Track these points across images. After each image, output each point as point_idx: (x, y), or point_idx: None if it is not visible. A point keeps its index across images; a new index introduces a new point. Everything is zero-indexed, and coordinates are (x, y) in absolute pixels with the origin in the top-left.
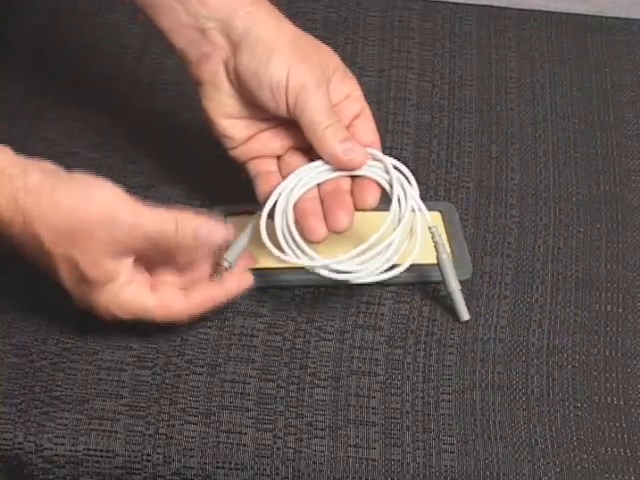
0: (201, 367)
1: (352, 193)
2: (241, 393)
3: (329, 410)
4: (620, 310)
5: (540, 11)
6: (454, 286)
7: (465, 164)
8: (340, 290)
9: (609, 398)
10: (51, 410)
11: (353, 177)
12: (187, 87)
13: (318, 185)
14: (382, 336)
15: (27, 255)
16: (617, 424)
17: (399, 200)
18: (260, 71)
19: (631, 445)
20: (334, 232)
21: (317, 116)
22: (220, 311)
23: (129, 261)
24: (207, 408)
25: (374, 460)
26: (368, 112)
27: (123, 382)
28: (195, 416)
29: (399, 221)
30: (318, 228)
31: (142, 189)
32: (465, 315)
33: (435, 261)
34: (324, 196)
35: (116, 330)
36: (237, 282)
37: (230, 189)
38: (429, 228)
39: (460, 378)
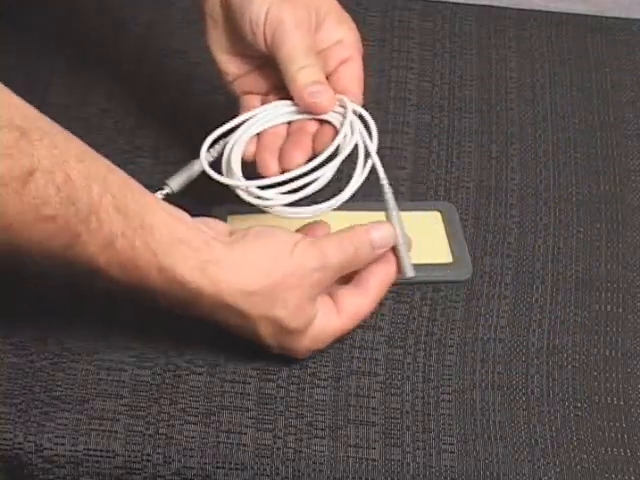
0: (201, 367)
1: (314, 136)
2: (241, 393)
3: (329, 410)
4: (620, 310)
5: (540, 11)
6: (400, 240)
7: (465, 164)
8: None
9: (609, 398)
10: (51, 410)
11: (321, 122)
12: (187, 87)
13: (289, 124)
14: (382, 336)
15: (215, 322)
16: (617, 424)
17: (344, 137)
18: (244, 5)
19: (631, 445)
20: (285, 169)
21: (291, 55)
22: None
23: (321, 299)
24: (207, 408)
25: (374, 460)
26: (357, 60)
27: (123, 382)
28: (195, 416)
29: (334, 157)
30: (270, 163)
31: None
32: (409, 272)
33: (434, 261)
34: (288, 135)
35: (116, 330)
36: (392, 255)
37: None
38: (381, 181)
39: (460, 378)
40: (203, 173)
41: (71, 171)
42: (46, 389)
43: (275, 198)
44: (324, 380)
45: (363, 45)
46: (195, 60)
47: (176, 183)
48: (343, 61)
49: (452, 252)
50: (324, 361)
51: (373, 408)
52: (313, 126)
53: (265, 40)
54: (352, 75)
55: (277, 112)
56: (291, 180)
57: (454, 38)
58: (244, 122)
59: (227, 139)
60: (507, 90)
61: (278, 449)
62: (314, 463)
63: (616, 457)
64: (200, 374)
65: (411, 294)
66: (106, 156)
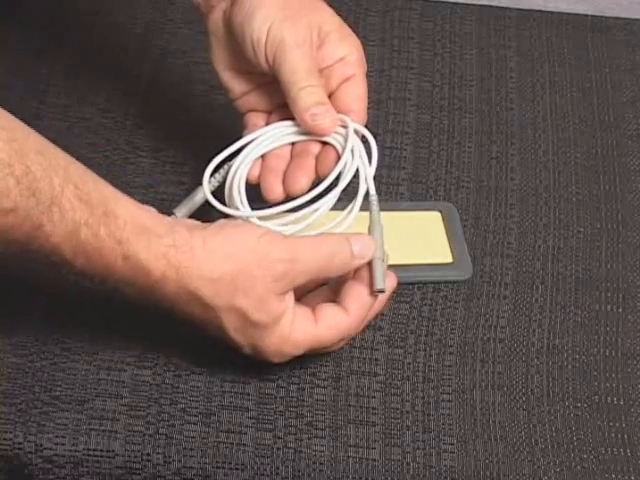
0: (201, 367)
1: (317, 158)
2: (241, 393)
3: (329, 410)
4: (620, 310)
5: (540, 11)
6: (377, 254)
7: (465, 164)
8: None
9: (609, 398)
10: (51, 410)
11: (324, 143)
12: (187, 87)
13: (293, 145)
14: (382, 336)
15: (181, 315)
16: (617, 424)
17: (345, 164)
18: (245, 24)
19: (631, 445)
20: (290, 194)
21: (293, 75)
22: None
23: (291, 297)
24: (207, 408)
25: (374, 460)
26: (360, 78)
27: (123, 382)
28: (195, 416)
29: (333, 188)
30: (275, 187)
31: (142, 189)
32: (380, 284)
33: (434, 261)
34: (292, 157)
35: (116, 330)
36: (388, 282)
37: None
38: (369, 195)
39: (460, 378)
40: (193, 169)
41: (31, 164)
42: (46, 389)
43: (277, 230)
44: (324, 380)
45: (363, 45)
46: (195, 60)
47: (182, 213)
48: (346, 79)
49: (452, 252)
50: (324, 361)
51: (373, 408)
52: (316, 147)
53: (267, 59)
54: (355, 94)
55: (280, 133)
56: (292, 210)
57: (454, 38)
58: (246, 145)
59: (230, 163)
60: (507, 90)
61: (278, 449)
62: (314, 463)
63: (616, 457)
64: (200, 374)
65: (411, 294)
66: (106, 156)
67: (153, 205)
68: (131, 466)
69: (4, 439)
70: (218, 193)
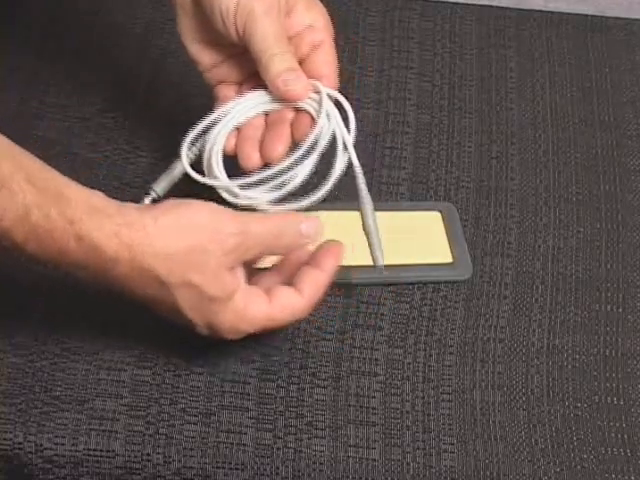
0: (201, 367)
1: (293, 125)
2: (241, 393)
3: (329, 410)
4: (620, 310)
5: (540, 11)
6: (372, 226)
7: (465, 164)
8: (340, 290)
9: (609, 398)
10: (51, 410)
11: (298, 110)
12: (187, 87)
13: (267, 114)
14: (382, 336)
15: (134, 296)
16: (617, 424)
17: (321, 129)
18: None
19: (631, 445)
20: (267, 161)
21: (263, 44)
22: None
23: (242, 273)
24: (207, 408)
25: (374, 460)
26: (329, 44)
27: (123, 382)
28: (195, 416)
29: (313, 149)
30: (252, 155)
31: (142, 189)
32: (379, 260)
33: (434, 261)
34: (267, 125)
35: (116, 330)
36: (333, 259)
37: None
38: (353, 168)
39: (460, 378)
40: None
41: None
42: (46, 389)
43: (258, 197)
44: (324, 380)
45: (363, 45)
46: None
47: (161, 187)
48: (315, 46)
49: (452, 252)
50: (324, 361)
51: (373, 408)
52: (291, 114)
53: (237, 29)
54: (325, 59)
55: (253, 103)
56: (271, 177)
57: (454, 38)
58: (221, 117)
59: (206, 136)
60: (507, 90)
61: (278, 449)
62: (314, 463)
63: (616, 457)
64: (200, 374)
65: (411, 294)
66: (106, 156)
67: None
68: (131, 466)
69: (4, 439)
70: (196, 166)
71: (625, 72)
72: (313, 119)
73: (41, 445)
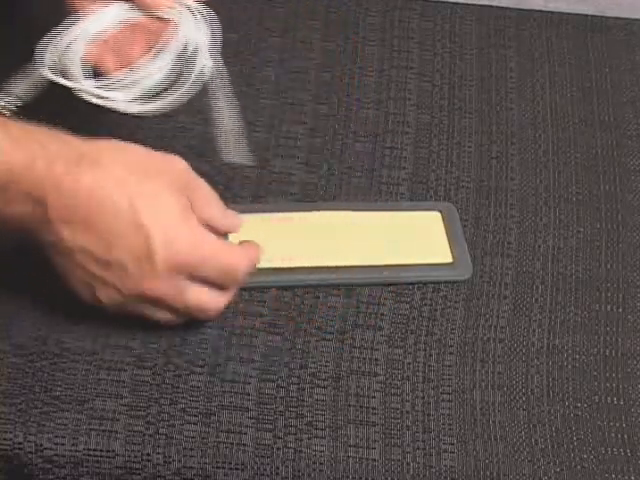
0: (201, 367)
1: (151, 32)
2: (241, 393)
3: (329, 410)
4: (620, 310)
5: (540, 11)
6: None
7: (465, 164)
8: (340, 290)
9: (609, 398)
10: (51, 410)
11: (157, 19)
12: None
13: (125, 23)
14: (382, 336)
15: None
16: (617, 424)
17: (178, 30)
18: None
19: (631, 445)
20: (124, 64)
21: None
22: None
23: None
24: (207, 408)
25: (374, 460)
26: None
27: (123, 382)
28: (195, 416)
29: (166, 53)
30: (108, 60)
31: None
32: (230, 156)
33: (434, 261)
34: (125, 32)
35: (116, 330)
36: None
37: (230, 189)
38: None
39: (460, 378)
40: (192, 169)
41: None
42: (46, 389)
43: (116, 96)
44: (324, 380)
45: (363, 45)
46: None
47: (19, 89)
48: None
49: (452, 252)
50: (324, 361)
51: (373, 408)
52: (149, 22)
53: None
54: None
55: (113, 11)
56: (128, 78)
57: (454, 38)
58: (80, 24)
59: (63, 41)
60: (507, 90)
61: (278, 449)
62: (314, 463)
63: (616, 457)
64: (200, 374)
65: (411, 294)
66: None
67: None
68: (131, 466)
69: (4, 439)
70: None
71: (625, 72)
72: (171, 26)
73: (41, 445)
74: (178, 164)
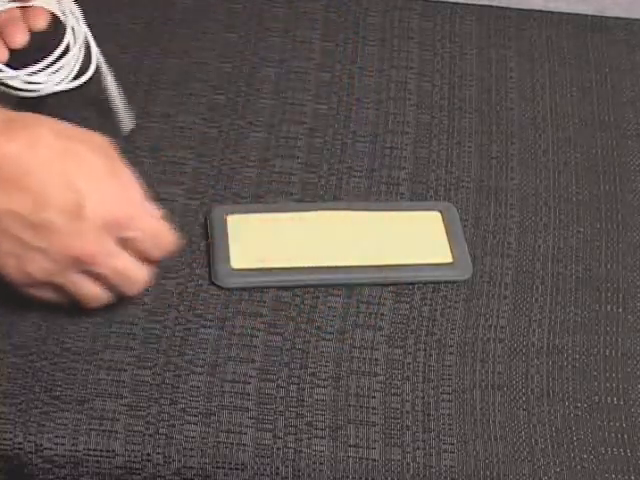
0: (201, 367)
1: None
2: (241, 393)
3: (329, 410)
4: (620, 310)
5: (540, 11)
6: (112, 91)
7: (465, 164)
8: (340, 290)
9: (609, 398)
10: (51, 410)
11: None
12: (187, 87)
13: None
14: (382, 336)
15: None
16: (617, 424)
17: (73, 28)
18: None
19: (631, 445)
20: (13, 48)
21: None
22: (220, 311)
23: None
24: (207, 408)
25: (374, 460)
26: None
27: (123, 382)
28: (195, 416)
29: (76, 39)
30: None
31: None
32: (128, 124)
33: (434, 261)
34: (1, 24)
35: (116, 330)
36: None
37: (230, 189)
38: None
39: (460, 378)
40: (192, 168)
41: None
42: (46, 389)
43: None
44: (324, 380)
45: (363, 45)
46: (195, 60)
47: None
48: None
49: (452, 252)
50: (324, 361)
51: (373, 408)
52: (18, 13)
53: None
54: None
55: None
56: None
57: (454, 38)
58: None
59: None
60: (507, 90)
61: (278, 449)
62: (314, 463)
63: (616, 457)
64: (200, 374)
65: (411, 294)
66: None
67: (154, 204)
68: (131, 466)
69: (4, 439)
70: None
71: (625, 72)
72: (46, 11)
73: (41, 445)
74: (100, 137)
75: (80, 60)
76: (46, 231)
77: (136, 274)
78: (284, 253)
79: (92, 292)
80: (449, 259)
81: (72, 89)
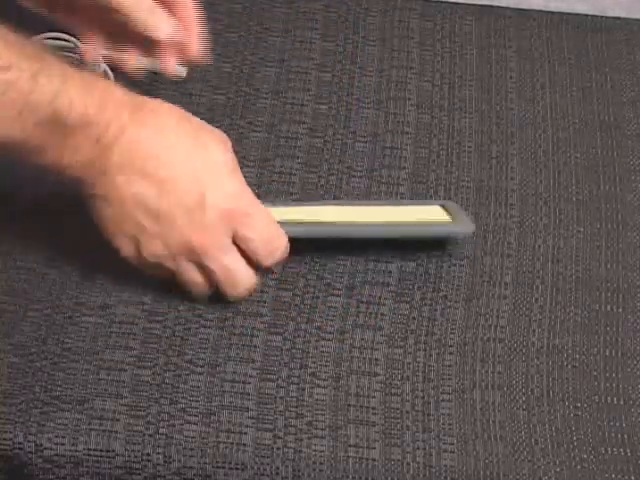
0: (201, 367)
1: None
2: (241, 393)
3: (329, 410)
4: (620, 310)
5: (540, 11)
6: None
7: (465, 164)
8: (340, 290)
9: (609, 398)
10: (51, 410)
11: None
12: (187, 87)
13: None
14: (382, 336)
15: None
16: (617, 424)
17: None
18: None
19: (631, 445)
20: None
21: None
22: (220, 311)
23: None
24: (207, 408)
25: (374, 460)
26: None
27: (123, 382)
28: (195, 416)
29: None
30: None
31: None
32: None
33: (434, 220)
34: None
35: (116, 329)
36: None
37: None
38: None
39: (460, 378)
40: None
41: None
42: (46, 389)
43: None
44: (324, 380)
45: (363, 45)
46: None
47: None
48: None
49: (452, 217)
50: (324, 361)
51: (373, 408)
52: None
53: None
54: None
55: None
56: None
57: (454, 38)
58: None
59: None
60: (507, 90)
61: (278, 449)
62: (314, 463)
63: (616, 457)
64: (200, 374)
65: (411, 294)
66: None
67: None
68: (131, 466)
69: (4, 439)
70: None
71: (625, 72)
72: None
73: (41, 445)
74: (221, 132)
75: None
76: (166, 219)
77: (242, 276)
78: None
79: (198, 282)
80: (448, 219)
81: None
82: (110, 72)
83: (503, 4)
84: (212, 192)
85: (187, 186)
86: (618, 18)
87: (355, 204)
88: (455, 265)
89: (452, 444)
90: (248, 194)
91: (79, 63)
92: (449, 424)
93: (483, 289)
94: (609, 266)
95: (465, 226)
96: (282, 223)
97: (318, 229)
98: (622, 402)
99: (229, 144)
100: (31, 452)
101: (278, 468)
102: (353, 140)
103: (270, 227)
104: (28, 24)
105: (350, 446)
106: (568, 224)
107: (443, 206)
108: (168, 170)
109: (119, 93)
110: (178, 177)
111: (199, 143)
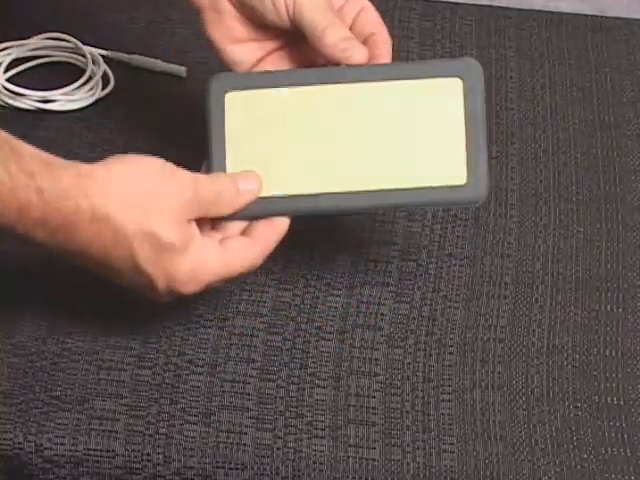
0: (201, 367)
1: None
2: (241, 393)
3: (329, 410)
4: (620, 310)
5: (540, 11)
6: None
7: None
8: (340, 290)
9: (609, 398)
10: (51, 410)
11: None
12: (187, 86)
13: None
14: (382, 336)
15: (90, 253)
16: (617, 424)
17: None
18: None
19: (631, 445)
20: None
21: (315, 17)
22: (220, 311)
23: (194, 224)
24: (207, 408)
25: (374, 460)
26: (370, 7)
27: (123, 382)
28: (195, 416)
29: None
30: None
31: None
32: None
33: (444, 184)
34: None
35: (116, 330)
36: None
37: None
38: None
39: (460, 378)
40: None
41: None
42: (46, 389)
43: None
44: (324, 380)
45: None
46: (195, 60)
47: None
48: (357, 13)
49: (468, 164)
50: (324, 361)
51: (373, 408)
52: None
53: (287, 10)
54: (370, 20)
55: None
56: None
57: (454, 38)
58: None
59: None
60: (507, 90)
61: (278, 449)
62: (314, 463)
63: (616, 457)
64: (200, 374)
65: (411, 294)
66: (106, 156)
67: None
68: (131, 466)
69: (4, 439)
70: None
71: (625, 72)
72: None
73: (41, 445)
74: (186, 193)
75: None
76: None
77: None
78: (291, 179)
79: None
80: (462, 180)
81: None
82: (110, 72)
83: (503, 4)
84: (163, 285)
85: (137, 278)
86: (618, 18)
87: (354, 75)
88: (455, 265)
89: (452, 444)
90: (200, 270)
91: (79, 63)
92: (449, 424)
93: (483, 289)
94: (609, 266)
95: (476, 189)
96: (277, 199)
97: (308, 205)
98: (622, 402)
99: (189, 210)
100: (31, 452)
101: (278, 468)
102: None
103: (230, 273)
104: (28, 24)
105: (350, 446)
106: (568, 224)
107: (462, 79)
108: (115, 268)
109: (67, 180)
110: (126, 274)
111: (145, 228)
